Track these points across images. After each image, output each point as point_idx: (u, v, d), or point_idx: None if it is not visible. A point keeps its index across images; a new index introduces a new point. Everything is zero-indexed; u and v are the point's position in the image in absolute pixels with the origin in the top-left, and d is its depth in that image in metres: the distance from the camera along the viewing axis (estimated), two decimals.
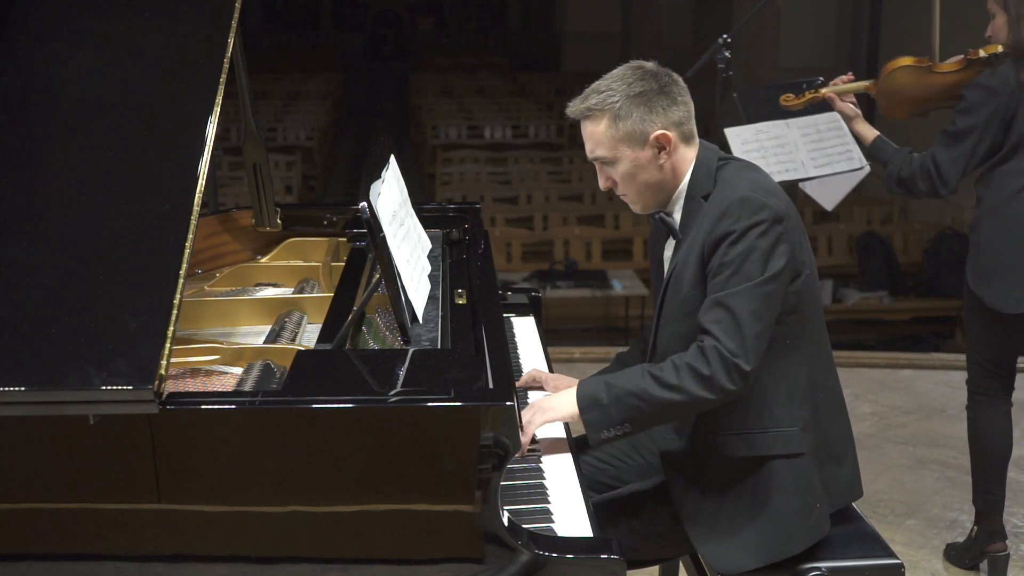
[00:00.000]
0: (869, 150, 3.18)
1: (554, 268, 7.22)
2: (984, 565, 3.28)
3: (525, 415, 2.09)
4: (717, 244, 2.03)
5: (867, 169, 3.88)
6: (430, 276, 2.33)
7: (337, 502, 1.64)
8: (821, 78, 3.33)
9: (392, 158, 2.35)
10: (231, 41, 2.02)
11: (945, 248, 7.45)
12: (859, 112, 3.20)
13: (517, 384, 2.41)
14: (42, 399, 1.56)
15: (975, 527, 3.29)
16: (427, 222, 2.64)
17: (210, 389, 2.01)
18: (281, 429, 1.63)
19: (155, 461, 1.62)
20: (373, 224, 2.01)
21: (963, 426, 3.19)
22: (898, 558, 2.16)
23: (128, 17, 2.10)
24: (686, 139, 2.13)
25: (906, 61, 3.14)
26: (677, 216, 2.17)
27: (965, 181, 3.05)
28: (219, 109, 1.91)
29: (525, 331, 2.82)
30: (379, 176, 2.18)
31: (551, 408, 2.09)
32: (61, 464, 1.64)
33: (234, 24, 2.05)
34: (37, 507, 1.65)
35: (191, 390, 1.99)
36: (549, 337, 3.03)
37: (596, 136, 2.11)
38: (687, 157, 2.14)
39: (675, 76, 2.14)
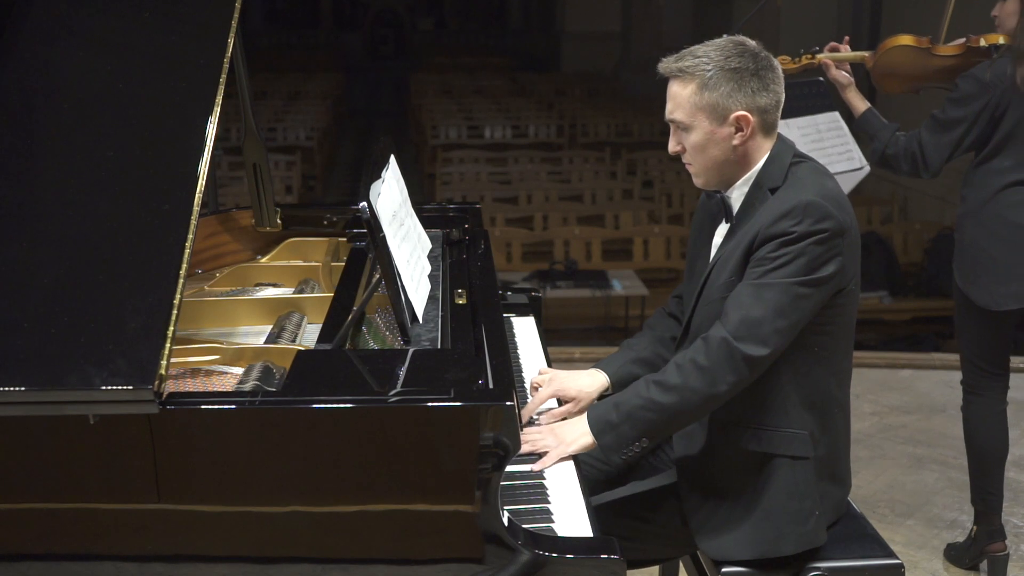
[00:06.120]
0: (857, 122, 3.16)
1: (554, 268, 7.21)
2: (984, 565, 3.28)
3: (538, 439, 2.07)
4: (769, 239, 2.01)
5: (867, 169, 3.87)
6: (430, 276, 2.33)
7: (337, 502, 1.64)
8: (817, 46, 3.27)
9: (392, 158, 2.35)
10: (231, 41, 2.02)
11: (945, 248, 7.43)
12: (852, 81, 3.16)
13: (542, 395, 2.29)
14: (42, 399, 1.56)
15: (975, 527, 3.28)
16: (427, 222, 2.64)
17: (210, 389, 2.01)
18: (281, 429, 1.63)
19: (155, 461, 1.62)
20: (373, 224, 2.01)
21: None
22: (898, 558, 2.16)
23: (128, 17, 2.10)
24: (766, 129, 2.11)
25: (906, 40, 3.12)
26: (736, 201, 2.15)
27: (953, 176, 3.05)
28: (219, 109, 1.91)
29: (525, 331, 2.81)
30: (379, 176, 2.18)
31: (564, 443, 2.07)
32: (61, 464, 1.64)
33: (234, 24, 2.05)
34: (37, 507, 1.65)
35: (191, 390, 1.99)
36: (549, 337, 3.03)
37: (679, 98, 2.09)
38: (762, 147, 2.11)
39: (774, 63, 2.11)
